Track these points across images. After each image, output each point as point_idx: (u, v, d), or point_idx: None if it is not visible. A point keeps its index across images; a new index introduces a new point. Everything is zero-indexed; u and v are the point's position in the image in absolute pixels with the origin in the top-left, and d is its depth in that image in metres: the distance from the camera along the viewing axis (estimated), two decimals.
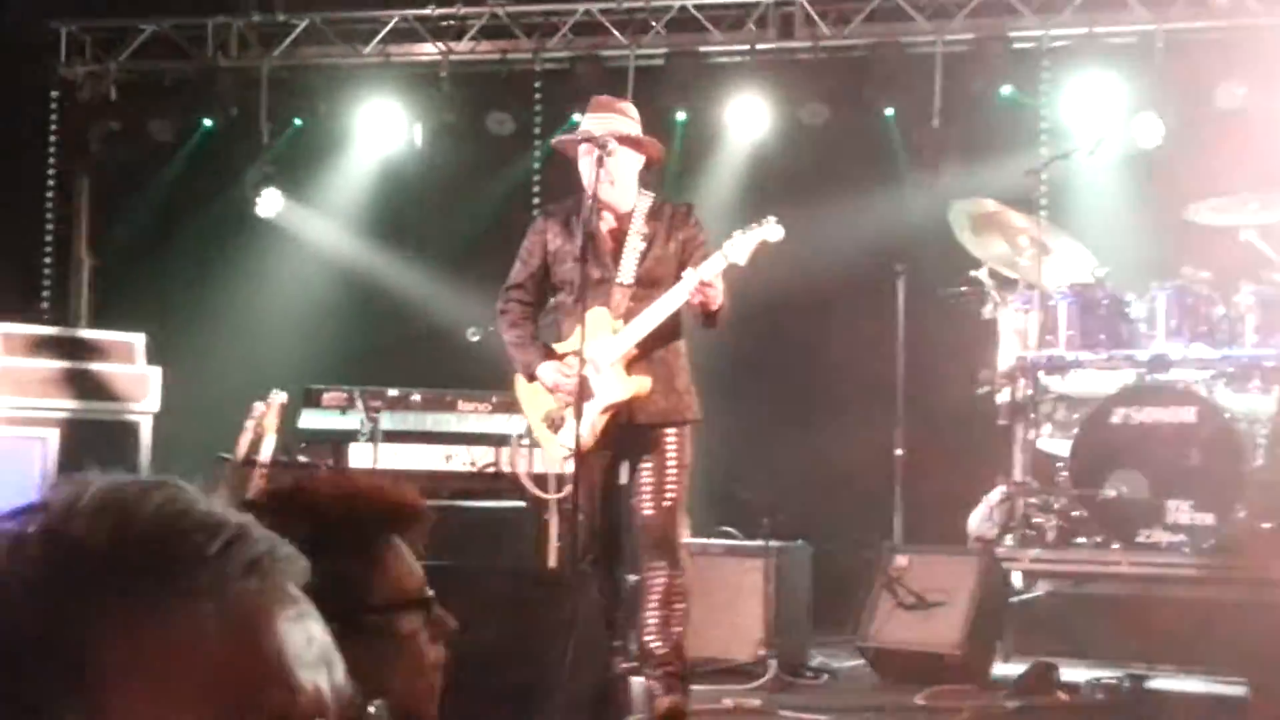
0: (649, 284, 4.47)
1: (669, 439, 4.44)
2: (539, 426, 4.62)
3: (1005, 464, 6.06)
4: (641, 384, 4.44)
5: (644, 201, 4.58)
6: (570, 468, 4.50)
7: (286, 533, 0.72)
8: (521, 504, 6.11)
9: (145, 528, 0.67)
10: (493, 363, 6.57)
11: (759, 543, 5.51)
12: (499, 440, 6.24)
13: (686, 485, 4.48)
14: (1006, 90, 7.81)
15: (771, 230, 4.44)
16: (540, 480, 5.92)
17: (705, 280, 4.30)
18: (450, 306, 7.63)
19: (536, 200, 8.56)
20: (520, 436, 5.44)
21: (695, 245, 4.52)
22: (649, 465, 4.42)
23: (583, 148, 4.49)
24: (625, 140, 4.50)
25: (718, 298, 4.34)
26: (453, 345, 6.44)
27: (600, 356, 4.44)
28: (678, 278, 4.45)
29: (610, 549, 4.49)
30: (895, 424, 6.65)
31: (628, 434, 4.46)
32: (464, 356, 6.59)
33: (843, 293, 7.52)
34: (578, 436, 4.30)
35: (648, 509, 4.40)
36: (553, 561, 5.67)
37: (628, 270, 4.49)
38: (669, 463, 4.42)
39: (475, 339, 6.35)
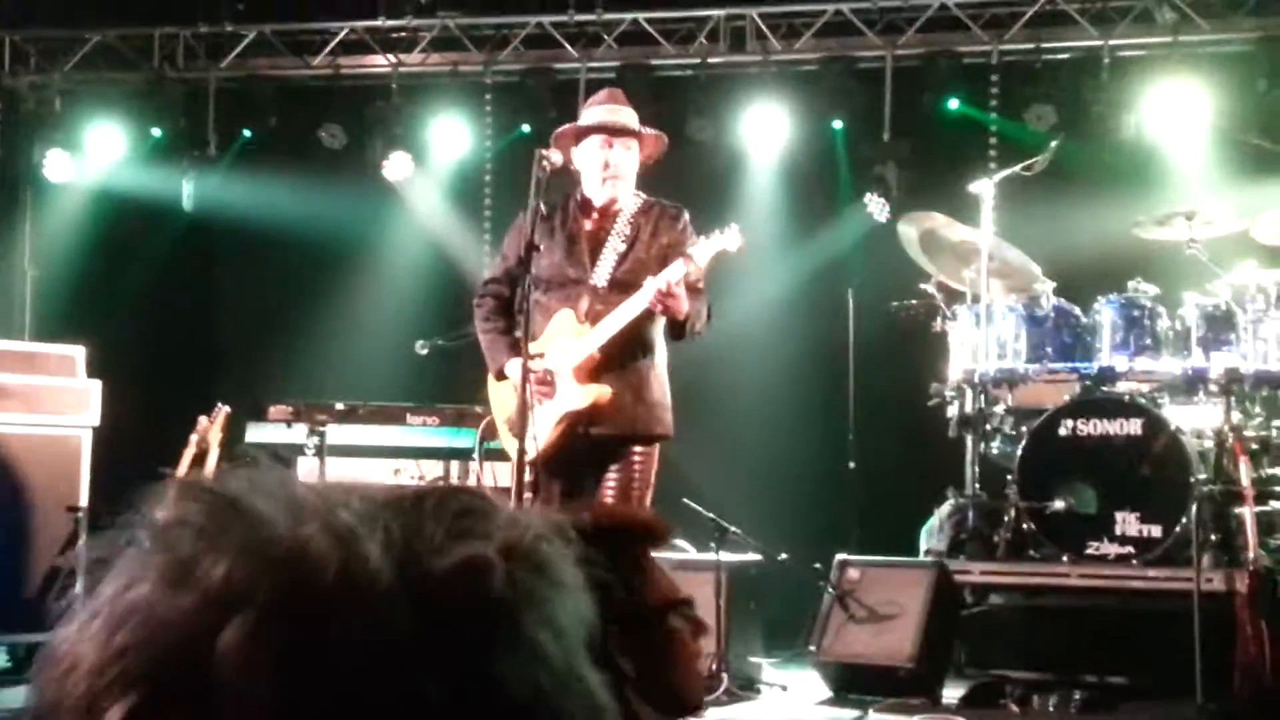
0: (623, 288, 4.30)
1: (636, 456, 4.29)
2: (504, 429, 4.45)
3: (956, 476, 6.08)
4: (601, 393, 4.25)
5: (633, 202, 4.45)
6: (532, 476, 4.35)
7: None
8: None
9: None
10: (442, 375, 6.54)
11: (710, 556, 5.47)
12: (448, 454, 6.19)
13: (648, 503, 4.30)
14: (954, 104, 7.87)
15: (730, 239, 4.30)
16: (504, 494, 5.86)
17: (663, 289, 4.12)
18: (399, 319, 7.57)
19: (488, 211, 8.53)
20: (482, 445, 5.33)
21: (679, 251, 4.34)
22: (613, 483, 4.26)
23: (597, 140, 4.39)
24: (640, 137, 4.44)
25: (682, 307, 4.17)
26: (402, 358, 6.38)
27: (561, 361, 4.29)
28: None
29: None
30: (847, 437, 6.67)
31: (593, 446, 4.28)
32: (413, 369, 6.54)
33: (794, 305, 7.53)
34: (521, 446, 4.15)
35: None
36: None
37: (603, 273, 4.35)
38: (635, 481, 4.27)
39: (423, 352, 6.30)
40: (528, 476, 4.35)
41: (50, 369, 5.68)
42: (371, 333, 7.79)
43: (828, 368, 6.95)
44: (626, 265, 4.35)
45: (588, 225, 4.39)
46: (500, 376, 4.41)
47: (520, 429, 4.12)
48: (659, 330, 4.40)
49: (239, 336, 7.98)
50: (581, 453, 4.30)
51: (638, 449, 4.29)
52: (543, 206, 4.40)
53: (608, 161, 4.35)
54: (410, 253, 8.28)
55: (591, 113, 4.50)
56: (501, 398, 4.46)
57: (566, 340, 4.30)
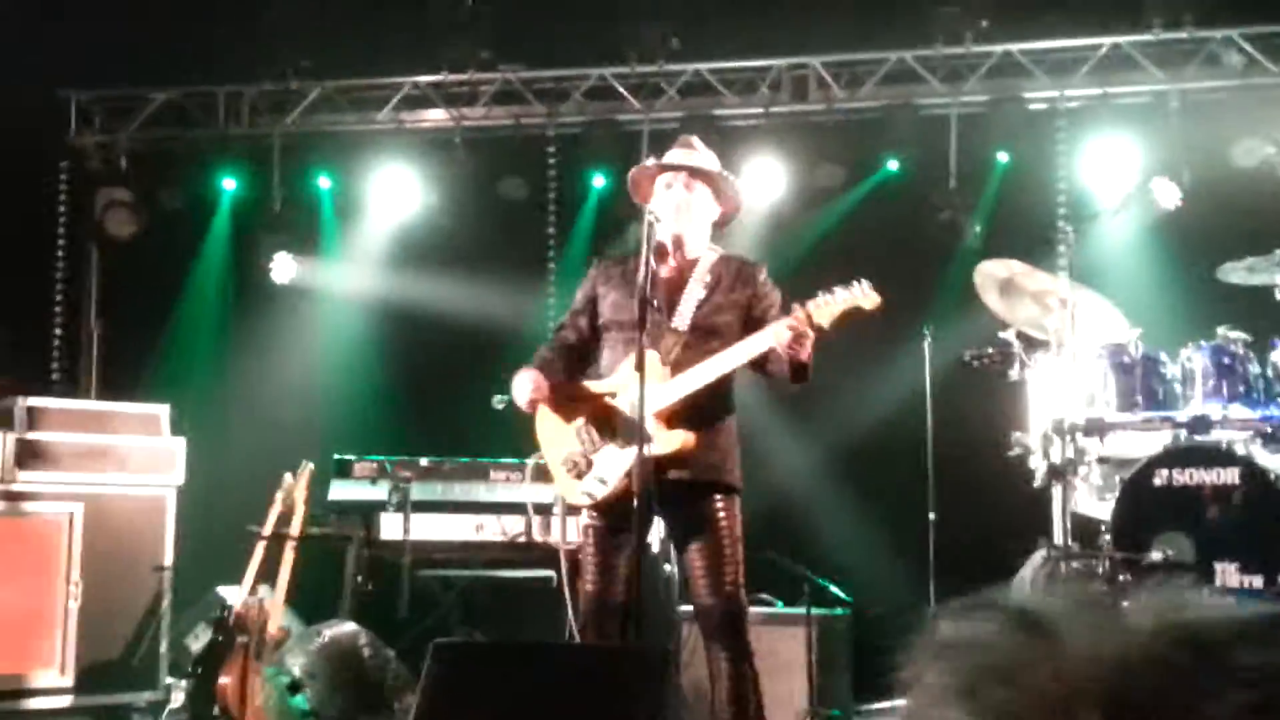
0: (705, 332, 4.21)
1: (718, 510, 4.15)
2: (558, 470, 4.29)
3: (1040, 528, 5.98)
4: (686, 439, 4.12)
5: (710, 254, 4.37)
6: (588, 518, 4.23)
7: None
8: (550, 573, 6.01)
9: None
10: (520, 430, 6.50)
11: (800, 610, 5.40)
12: (531, 509, 6.14)
13: (742, 561, 4.20)
14: (1004, 157, 7.84)
15: (866, 296, 4.15)
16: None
17: (801, 323, 4.00)
18: (471, 373, 7.54)
19: (551, 264, 8.53)
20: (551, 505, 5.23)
21: (767, 303, 4.27)
22: (700, 543, 4.13)
23: (663, 179, 4.34)
24: (710, 179, 4.36)
25: (808, 349, 4.06)
26: (481, 413, 6.34)
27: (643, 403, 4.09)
28: (740, 333, 4.21)
29: (627, 620, 4.09)
30: (926, 488, 6.58)
31: (668, 491, 4.10)
32: (494, 425, 6.49)
33: (868, 355, 7.46)
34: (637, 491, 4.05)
35: (707, 596, 4.11)
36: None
37: (683, 317, 4.25)
38: (724, 540, 4.13)
39: (501, 407, 6.26)
40: (586, 521, 4.25)
41: (136, 428, 5.68)
42: (446, 388, 7.77)
43: (905, 418, 6.88)
44: (707, 309, 4.26)
45: (665, 271, 4.30)
46: (531, 406, 4.26)
47: (639, 481, 3.94)
48: (731, 382, 4.30)
49: (317, 392, 7.98)
50: (658, 498, 4.11)
51: (717, 498, 4.17)
52: (616, 257, 4.41)
53: (676, 202, 4.29)
54: (476, 305, 8.27)
55: (667, 155, 4.47)
56: (554, 437, 4.30)
57: (650, 381, 4.09)
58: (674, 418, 4.16)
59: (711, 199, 4.39)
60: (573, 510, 4.40)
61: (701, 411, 4.20)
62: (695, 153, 4.45)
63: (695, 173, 4.36)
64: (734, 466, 4.27)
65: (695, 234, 4.35)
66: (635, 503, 3.93)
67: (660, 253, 4.27)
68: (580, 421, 4.26)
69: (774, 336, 4.07)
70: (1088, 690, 0.58)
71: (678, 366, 4.19)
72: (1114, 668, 0.58)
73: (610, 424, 4.21)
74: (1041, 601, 0.63)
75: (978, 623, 0.61)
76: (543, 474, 5.07)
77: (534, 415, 4.40)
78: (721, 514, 4.17)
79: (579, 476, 4.19)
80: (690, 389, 4.16)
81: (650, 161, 4.47)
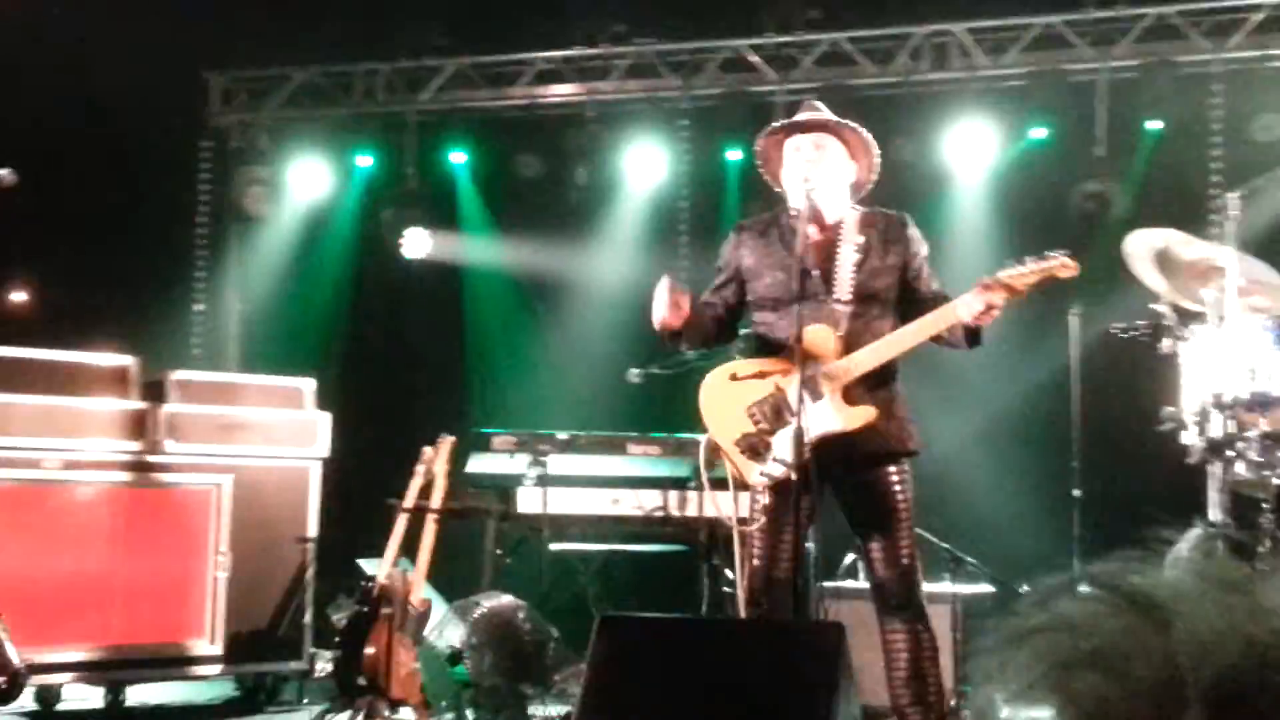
0: (866, 299, 4.05)
1: (893, 481, 4.01)
2: (732, 451, 4.07)
3: (1194, 505, 5.74)
4: (867, 414, 3.97)
5: (853, 213, 4.18)
6: (763, 500, 4.02)
7: None
8: (685, 548, 5.97)
9: None
10: (656, 404, 6.46)
11: (945, 587, 5.27)
12: (668, 484, 6.09)
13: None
14: (1158, 125, 7.53)
15: (1065, 266, 3.93)
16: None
17: (996, 304, 3.86)
18: (607, 347, 7.53)
19: (685, 236, 8.46)
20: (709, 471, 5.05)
21: (920, 261, 4.13)
22: (882, 516, 4.00)
23: (791, 143, 4.16)
24: (840, 133, 4.15)
25: (995, 315, 3.93)
26: (619, 387, 6.31)
27: (820, 379, 3.98)
28: (899, 294, 4.09)
29: (789, 599, 3.94)
30: (1070, 463, 6.38)
31: (843, 469, 3.99)
32: (626, 398, 6.47)
33: (1011, 327, 7.25)
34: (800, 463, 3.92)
35: (884, 570, 4.01)
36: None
37: (844, 285, 4.07)
38: (900, 512, 4.01)
39: (636, 380, 6.21)
40: (764, 500, 4.05)
41: (281, 401, 5.77)
42: (581, 361, 7.78)
43: (1050, 392, 6.68)
44: (864, 275, 4.08)
45: (811, 239, 4.09)
46: (665, 323, 4.07)
47: (799, 456, 3.80)
48: None
49: (457, 366, 8.05)
50: (829, 476, 4.01)
51: (892, 469, 4.03)
52: (753, 222, 4.25)
53: (806, 163, 4.08)
54: (616, 278, 8.25)
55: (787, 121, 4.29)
56: (725, 416, 4.09)
57: (824, 358, 4.00)
58: (852, 391, 4.02)
59: (846, 157, 4.19)
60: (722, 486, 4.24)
61: (879, 381, 4.06)
62: (820, 113, 4.25)
63: (825, 127, 4.16)
64: (913, 431, 4.14)
65: (834, 194, 4.16)
66: (797, 478, 3.81)
67: (805, 219, 4.06)
68: (753, 401, 4.09)
69: (967, 308, 3.91)
70: (1195, 679, 0.49)
71: (849, 339, 4.03)
72: (1231, 655, 0.49)
73: (785, 402, 4.03)
74: (1158, 581, 0.54)
75: (1076, 604, 0.53)
76: (714, 451, 4.83)
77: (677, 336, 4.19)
78: (896, 483, 4.05)
79: (756, 458, 4.05)
80: (876, 362, 4.00)
81: (777, 123, 4.27)
